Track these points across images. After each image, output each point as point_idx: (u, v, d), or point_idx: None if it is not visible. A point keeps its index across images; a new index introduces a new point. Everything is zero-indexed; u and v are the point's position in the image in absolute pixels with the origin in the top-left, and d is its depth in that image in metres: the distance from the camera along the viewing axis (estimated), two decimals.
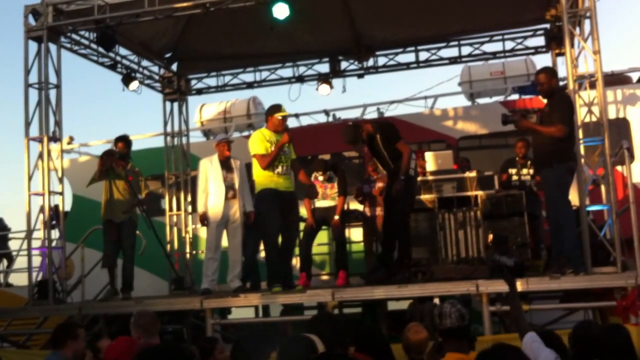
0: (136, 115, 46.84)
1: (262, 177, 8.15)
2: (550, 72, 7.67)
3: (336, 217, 8.90)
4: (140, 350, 3.30)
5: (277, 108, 8.27)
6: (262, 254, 11.51)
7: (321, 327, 4.96)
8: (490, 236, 8.13)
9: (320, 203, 9.11)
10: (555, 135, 7.17)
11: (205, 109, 14.48)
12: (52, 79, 9.46)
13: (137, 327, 5.07)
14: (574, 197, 7.79)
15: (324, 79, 12.66)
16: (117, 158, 9.33)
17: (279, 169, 8.11)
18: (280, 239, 8.32)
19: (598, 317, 8.01)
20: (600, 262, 7.49)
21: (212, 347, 5.65)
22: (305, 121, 13.54)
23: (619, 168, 9.62)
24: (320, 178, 9.09)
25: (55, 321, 9.41)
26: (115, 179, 9.38)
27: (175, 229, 11.90)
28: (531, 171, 9.39)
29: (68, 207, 12.76)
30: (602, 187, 8.08)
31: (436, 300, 7.36)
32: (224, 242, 9.09)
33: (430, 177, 8.66)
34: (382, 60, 12.55)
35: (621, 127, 10.88)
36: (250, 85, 13.06)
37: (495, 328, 7.63)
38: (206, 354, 5.51)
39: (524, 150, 9.56)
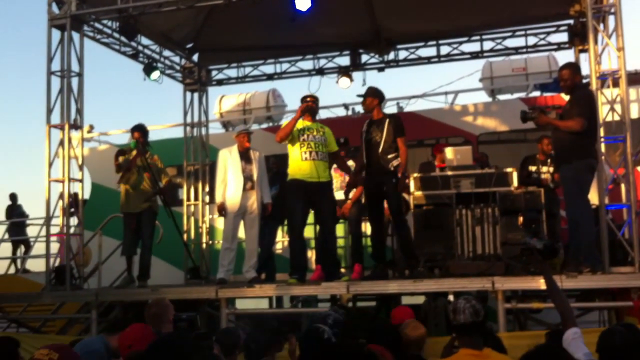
0: (156, 105, 47.10)
1: (290, 167, 8.19)
2: (575, 68, 7.59)
3: (348, 202, 8.89)
4: (150, 344, 3.33)
5: (304, 97, 8.36)
6: (278, 246, 11.65)
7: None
8: (521, 219, 8.07)
9: (338, 194, 9.08)
10: (574, 128, 7.11)
11: (224, 100, 14.51)
12: (75, 67, 9.55)
13: (148, 316, 5.12)
14: (593, 195, 7.72)
15: (344, 71, 12.64)
16: (135, 156, 9.34)
17: (306, 154, 8.07)
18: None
19: (614, 317, 7.95)
20: (619, 261, 7.43)
21: (235, 342, 5.48)
22: (324, 114, 13.53)
23: (639, 168, 9.52)
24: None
25: (72, 307, 9.55)
26: (137, 171, 9.42)
27: (192, 219, 11.96)
28: (551, 169, 9.31)
29: (87, 196, 12.87)
30: (622, 187, 8.01)
31: (450, 297, 7.33)
32: (241, 232, 9.12)
33: (448, 172, 8.63)
34: (402, 54, 12.51)
35: None
36: (270, 77, 13.07)
37: (510, 326, 7.57)
38: (230, 349, 5.31)
39: (550, 147, 9.45)
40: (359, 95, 8.50)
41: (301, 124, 8.16)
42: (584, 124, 7.08)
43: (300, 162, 8.08)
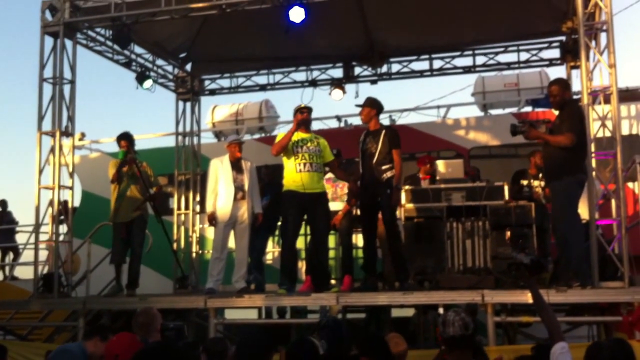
0: (148, 114, 47.03)
1: (285, 178, 8.22)
2: (564, 84, 7.66)
3: (339, 214, 8.89)
4: (135, 353, 3.31)
5: (298, 108, 8.38)
6: (268, 256, 11.62)
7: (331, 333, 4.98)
8: (508, 233, 8.09)
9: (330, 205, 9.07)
10: (563, 143, 7.16)
11: (217, 110, 14.51)
12: (67, 74, 9.54)
13: (135, 325, 5.14)
14: (583, 210, 7.74)
15: (337, 83, 12.66)
16: (126, 162, 9.32)
17: (300, 166, 8.10)
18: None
19: (603, 332, 7.95)
20: (608, 277, 7.44)
21: (223, 350, 5.43)
22: (316, 126, 13.55)
23: (630, 185, 9.56)
24: (331, 176, 9.08)
25: (59, 315, 9.48)
26: (131, 183, 9.39)
27: (182, 228, 11.91)
28: (542, 183, 9.34)
29: (77, 203, 12.82)
30: (613, 202, 8.03)
31: (440, 310, 7.32)
32: (231, 242, 9.09)
33: (440, 185, 8.64)
34: (395, 67, 12.57)
35: (634, 143, 10.80)
36: (263, 88, 13.09)
37: (499, 340, 7.56)
38: (218, 358, 5.33)
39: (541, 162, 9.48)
40: (357, 106, 8.51)
41: (295, 136, 8.17)
42: (573, 139, 7.13)
43: (294, 174, 8.10)
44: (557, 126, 7.38)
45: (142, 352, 3.29)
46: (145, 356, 3.20)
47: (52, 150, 9.33)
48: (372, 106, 8.33)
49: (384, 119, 13.06)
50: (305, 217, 8.33)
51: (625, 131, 10.92)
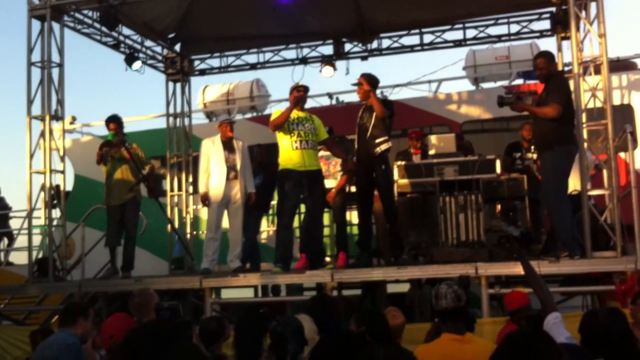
0: (139, 95, 46.78)
1: (281, 156, 8.22)
2: (549, 56, 7.69)
3: (333, 191, 8.90)
4: (127, 333, 3.31)
5: (295, 86, 8.41)
6: (263, 235, 11.64)
7: (319, 308, 4.97)
8: (499, 207, 8.12)
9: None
10: (550, 115, 7.19)
11: (208, 90, 14.42)
12: (55, 57, 9.48)
13: (132, 306, 5.14)
14: (575, 181, 7.77)
15: (327, 61, 12.59)
16: (114, 145, 9.29)
17: (297, 144, 8.10)
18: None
19: (597, 301, 8.01)
20: (601, 247, 7.48)
21: (218, 329, 5.36)
22: (308, 104, 13.47)
23: (622, 155, 9.57)
24: (324, 154, 9.07)
25: (55, 299, 9.50)
26: (114, 163, 9.37)
27: (176, 210, 11.90)
28: (535, 155, 9.35)
29: (70, 187, 12.79)
30: (604, 173, 8.05)
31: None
32: (225, 222, 9.10)
33: (432, 160, 8.64)
34: (386, 43, 12.49)
35: (625, 113, 10.81)
36: (253, 67, 13.01)
37: (493, 312, 7.62)
38: (213, 338, 5.25)
39: (531, 134, 9.48)
40: (353, 84, 8.47)
41: (291, 114, 8.16)
42: (559, 110, 7.16)
43: (291, 152, 8.10)
44: (544, 98, 7.43)
45: (133, 331, 3.30)
46: (136, 336, 3.21)
47: (43, 134, 9.28)
48: (367, 82, 8.29)
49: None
50: (301, 195, 8.33)
51: (617, 101, 10.93)
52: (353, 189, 9.16)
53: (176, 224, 11.78)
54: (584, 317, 3.95)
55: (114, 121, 9.48)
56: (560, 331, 3.84)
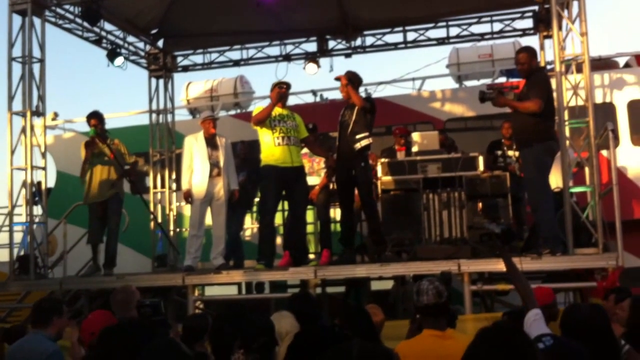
0: (121, 92, 46.44)
1: (263, 153, 8.19)
2: (531, 51, 7.71)
3: (316, 188, 8.89)
4: (101, 330, 3.26)
5: (277, 83, 8.35)
6: (247, 233, 11.62)
7: (301, 305, 4.97)
8: (480, 204, 8.16)
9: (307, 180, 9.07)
10: (531, 109, 7.22)
11: (191, 87, 14.37)
12: (36, 53, 9.37)
13: (114, 303, 5.05)
14: (557, 178, 7.82)
15: (311, 58, 12.58)
16: (94, 140, 9.21)
17: (279, 140, 8.08)
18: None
19: (579, 298, 8.07)
20: (583, 244, 7.54)
21: (202, 326, 5.13)
22: (292, 101, 13.47)
23: (604, 153, 9.65)
24: (307, 151, 9.07)
25: (37, 296, 9.39)
26: (97, 162, 9.29)
27: (159, 207, 11.85)
28: (517, 153, 9.40)
29: (51, 184, 12.69)
30: (586, 170, 8.11)
31: None
32: (208, 219, 9.06)
33: (415, 158, 8.66)
34: (369, 40, 12.51)
35: (607, 111, 10.90)
36: (237, 63, 12.97)
37: (477, 309, 7.66)
38: (197, 335, 5.10)
39: (510, 131, 9.56)
40: (336, 79, 8.44)
41: (273, 111, 8.14)
42: (541, 105, 7.20)
43: (273, 148, 8.08)
44: (525, 93, 7.46)
45: (109, 328, 3.26)
46: (111, 332, 3.17)
47: (24, 130, 9.20)
48: (350, 81, 8.26)
49: (360, 93, 13.05)
50: (284, 192, 8.32)
51: (599, 99, 11.01)
52: None
53: (159, 222, 11.74)
54: (565, 312, 3.97)
55: (95, 117, 9.39)
56: (541, 327, 3.85)
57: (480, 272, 7.60)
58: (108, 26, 11.23)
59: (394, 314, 9.00)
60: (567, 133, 7.93)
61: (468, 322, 6.30)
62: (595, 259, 7.17)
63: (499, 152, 9.55)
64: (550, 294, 5.87)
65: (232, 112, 14.06)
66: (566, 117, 7.86)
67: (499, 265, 6.84)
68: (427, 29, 12.25)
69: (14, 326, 7.18)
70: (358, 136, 8.04)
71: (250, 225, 11.61)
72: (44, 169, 9.38)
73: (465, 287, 7.11)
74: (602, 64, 11.61)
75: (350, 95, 8.10)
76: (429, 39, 12.32)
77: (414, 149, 8.91)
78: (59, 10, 10.03)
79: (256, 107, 8.54)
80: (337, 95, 13.03)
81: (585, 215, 7.62)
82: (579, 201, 8.03)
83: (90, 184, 9.31)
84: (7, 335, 6.22)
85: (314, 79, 19.98)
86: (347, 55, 12.62)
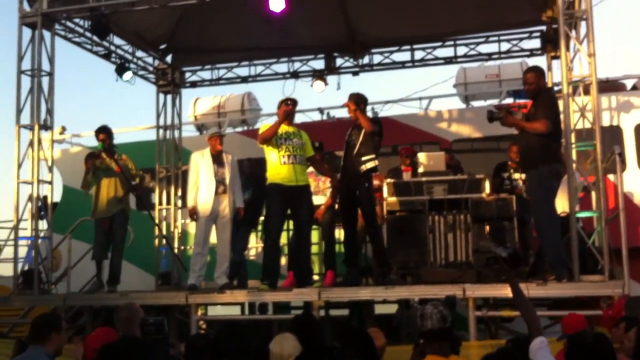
0: (129, 107, 46.59)
1: (269, 171, 8.18)
2: (539, 71, 7.66)
3: (322, 208, 8.86)
4: (101, 347, 3.27)
5: (284, 100, 8.34)
6: (251, 252, 11.57)
7: (303, 327, 4.93)
8: (487, 227, 8.11)
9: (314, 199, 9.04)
10: (539, 130, 7.16)
11: (199, 103, 14.39)
12: (45, 66, 9.43)
13: (118, 320, 5.05)
14: (563, 203, 7.75)
15: (318, 75, 12.59)
16: (102, 154, 9.23)
17: (285, 158, 8.06)
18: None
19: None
20: (589, 270, 7.46)
21: (207, 347, 5.20)
22: (298, 118, 13.47)
23: (610, 177, 9.59)
24: (313, 170, 9.05)
25: (40, 312, 9.37)
26: (103, 176, 9.30)
27: (164, 224, 11.82)
28: (523, 176, 9.35)
29: (58, 198, 12.69)
30: (593, 195, 8.05)
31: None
32: (213, 237, 9.02)
33: (421, 179, 8.62)
34: (377, 59, 12.51)
35: (614, 134, 10.84)
36: (244, 80, 12.99)
37: (481, 335, 7.59)
38: (200, 354, 5.17)
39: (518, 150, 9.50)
40: (344, 105, 8.45)
41: (279, 128, 8.12)
42: (549, 125, 7.14)
43: (279, 166, 8.06)
44: (532, 114, 7.40)
45: (108, 346, 3.26)
46: (110, 350, 3.18)
47: (31, 144, 9.21)
48: (357, 104, 8.23)
49: (367, 112, 13.06)
50: (289, 211, 8.28)
51: (606, 122, 10.96)
52: None
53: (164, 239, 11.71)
54: (570, 340, 3.94)
55: (104, 132, 9.41)
56: (545, 355, 3.82)
57: (485, 297, 7.53)
58: (117, 40, 11.28)
59: (397, 338, 8.94)
60: (574, 156, 7.88)
61: (472, 349, 6.25)
62: (601, 286, 7.10)
63: (506, 175, 9.50)
64: (582, 321, 5.82)
65: (239, 129, 14.07)
66: (573, 139, 7.80)
67: (505, 291, 6.80)
68: (434, 48, 12.26)
69: (20, 339, 7.16)
70: (364, 158, 8.02)
71: (254, 244, 11.56)
72: (51, 183, 9.39)
73: (470, 313, 7.04)
74: (609, 86, 11.57)
75: (359, 118, 8.08)
76: (437, 58, 12.32)
77: (420, 169, 8.87)
78: (68, 23, 10.08)
79: (263, 125, 8.52)
80: (344, 113, 13.04)
81: (592, 241, 7.56)
82: (585, 226, 7.97)
83: (98, 199, 9.31)
84: (22, 347, 6.20)
85: (321, 97, 20.00)
86: (355, 73, 12.64)
